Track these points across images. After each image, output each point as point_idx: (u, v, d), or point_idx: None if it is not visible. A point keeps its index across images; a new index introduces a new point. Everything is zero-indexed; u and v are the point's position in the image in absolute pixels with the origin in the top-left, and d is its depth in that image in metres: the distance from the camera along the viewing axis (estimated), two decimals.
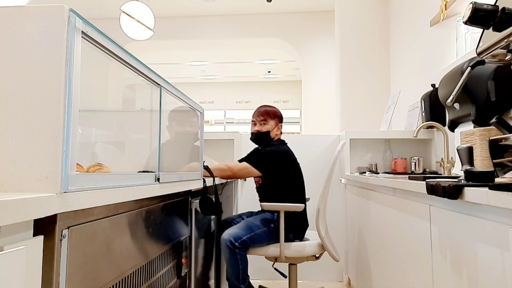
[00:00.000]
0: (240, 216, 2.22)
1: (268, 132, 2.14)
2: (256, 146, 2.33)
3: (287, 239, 1.99)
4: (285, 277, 2.09)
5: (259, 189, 2.21)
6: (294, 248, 1.98)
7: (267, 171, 2.06)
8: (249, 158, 2.15)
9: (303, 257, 2.00)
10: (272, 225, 1.99)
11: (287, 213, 1.98)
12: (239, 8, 5.45)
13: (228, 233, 1.88)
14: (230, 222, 2.15)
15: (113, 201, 0.82)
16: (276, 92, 9.05)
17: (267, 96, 8.91)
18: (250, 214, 2.24)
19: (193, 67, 8.12)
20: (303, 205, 1.98)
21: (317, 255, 2.03)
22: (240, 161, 2.32)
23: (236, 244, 1.84)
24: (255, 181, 2.27)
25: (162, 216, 1.24)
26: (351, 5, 3.73)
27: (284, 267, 2.44)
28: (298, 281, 2.15)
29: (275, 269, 2.10)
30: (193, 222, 1.64)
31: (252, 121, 2.20)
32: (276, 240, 1.97)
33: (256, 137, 2.18)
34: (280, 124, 2.20)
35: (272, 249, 1.97)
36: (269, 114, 2.14)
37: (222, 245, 1.88)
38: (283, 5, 5.30)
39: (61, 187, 0.65)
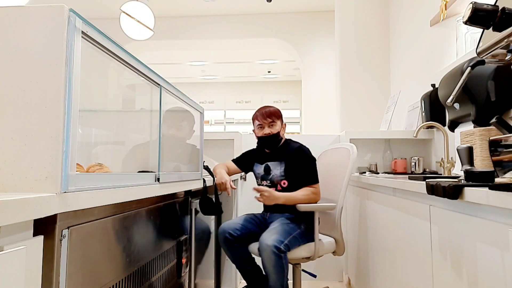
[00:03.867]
0: (242, 223, 2.01)
1: (278, 134, 2.07)
2: (258, 146, 2.23)
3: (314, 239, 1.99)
4: (315, 276, 2.05)
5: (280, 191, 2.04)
6: (325, 246, 1.99)
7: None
8: (303, 174, 2.02)
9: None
10: (302, 226, 1.95)
11: (311, 213, 1.97)
12: (239, 8, 5.45)
13: (270, 239, 1.75)
14: (233, 233, 1.94)
15: (113, 201, 0.82)
16: (276, 92, 9.05)
17: (267, 96, 8.90)
18: (255, 217, 2.09)
19: (193, 67, 8.12)
20: (335, 204, 1.99)
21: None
22: (234, 161, 2.22)
23: (282, 248, 1.74)
24: (266, 184, 2.09)
25: (162, 216, 1.24)
26: (351, 5, 3.73)
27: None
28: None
29: (303, 270, 2.05)
30: (193, 222, 1.64)
31: (259, 124, 2.08)
32: (307, 240, 1.93)
33: (267, 140, 2.07)
34: (284, 123, 2.15)
35: (305, 250, 1.92)
36: (275, 114, 2.08)
37: (266, 253, 1.72)
38: (283, 5, 5.30)
39: (61, 187, 0.65)
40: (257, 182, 2.19)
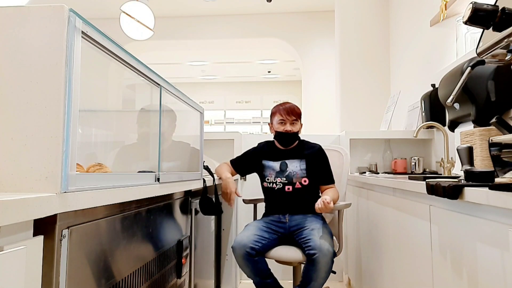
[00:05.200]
0: (259, 234, 1.87)
1: (297, 133, 2.07)
2: (262, 142, 2.20)
3: None
4: (335, 273, 2.05)
5: (299, 191, 2.02)
6: (335, 243, 2.03)
7: None
8: (326, 173, 2.05)
9: None
10: (327, 225, 1.99)
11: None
12: (239, 8, 5.45)
13: (328, 244, 1.72)
14: (254, 247, 1.80)
15: (113, 201, 0.82)
16: (276, 92, 9.05)
17: (267, 96, 8.90)
18: (267, 223, 1.97)
19: (193, 67, 8.12)
20: (350, 202, 2.05)
21: None
22: (233, 161, 2.18)
23: (334, 252, 1.76)
24: (281, 181, 2.03)
25: (162, 216, 1.24)
26: (351, 5, 3.72)
27: (279, 268, 2.43)
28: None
29: None
30: (193, 222, 1.64)
31: (281, 120, 2.03)
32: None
33: (286, 137, 2.04)
34: (301, 123, 2.12)
35: None
36: (298, 113, 2.06)
37: (326, 259, 1.69)
38: (283, 5, 5.30)
39: (61, 187, 0.65)
40: (267, 179, 2.09)
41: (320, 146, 2.12)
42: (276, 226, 1.97)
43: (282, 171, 2.05)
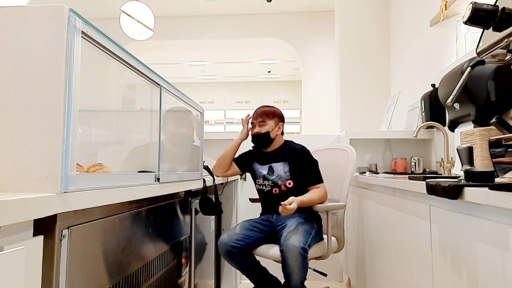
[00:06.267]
0: (243, 233, 1.93)
1: (267, 133, 2.08)
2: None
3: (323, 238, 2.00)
4: (326, 275, 2.05)
5: (285, 193, 2.04)
6: (333, 244, 2.01)
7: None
8: (310, 174, 2.04)
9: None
10: (315, 225, 1.98)
11: (317, 213, 2.01)
12: (239, 8, 5.45)
13: (296, 240, 1.74)
14: (235, 245, 1.88)
15: (113, 201, 0.82)
16: (276, 92, 9.05)
17: (267, 96, 8.90)
18: (256, 222, 2.03)
19: (193, 67, 8.12)
20: (344, 203, 2.04)
21: None
22: (234, 160, 2.21)
23: (307, 248, 1.76)
24: (269, 183, 2.08)
25: (162, 216, 1.24)
26: (351, 5, 3.73)
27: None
28: None
29: (315, 270, 2.05)
30: (193, 222, 1.64)
31: (251, 123, 2.15)
32: (319, 239, 1.96)
33: (255, 139, 2.11)
34: (281, 123, 2.13)
35: (318, 249, 1.93)
36: (267, 114, 2.09)
37: (293, 254, 1.70)
38: (283, 5, 5.30)
39: (61, 187, 0.65)
40: (257, 181, 2.16)
41: (302, 147, 2.11)
42: (263, 226, 2.03)
43: (269, 174, 2.11)
